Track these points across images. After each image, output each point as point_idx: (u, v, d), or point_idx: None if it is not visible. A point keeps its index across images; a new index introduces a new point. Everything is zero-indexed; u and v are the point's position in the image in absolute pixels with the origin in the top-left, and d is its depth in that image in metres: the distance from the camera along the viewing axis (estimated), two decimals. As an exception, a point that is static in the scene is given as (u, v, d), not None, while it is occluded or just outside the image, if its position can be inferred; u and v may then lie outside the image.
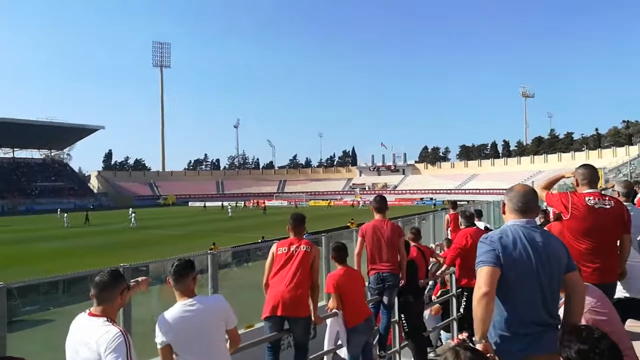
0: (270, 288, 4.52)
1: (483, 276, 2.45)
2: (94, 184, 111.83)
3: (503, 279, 2.48)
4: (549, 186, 4.16)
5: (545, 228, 7.01)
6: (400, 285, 5.79)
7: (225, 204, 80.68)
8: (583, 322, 2.75)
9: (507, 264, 2.48)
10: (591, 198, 3.79)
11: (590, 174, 3.94)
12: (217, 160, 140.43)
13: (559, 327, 2.48)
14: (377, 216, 5.88)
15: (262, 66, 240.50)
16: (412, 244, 6.66)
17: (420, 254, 6.86)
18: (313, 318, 4.65)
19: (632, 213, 4.01)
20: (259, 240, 26.22)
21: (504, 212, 2.70)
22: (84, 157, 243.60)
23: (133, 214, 48.14)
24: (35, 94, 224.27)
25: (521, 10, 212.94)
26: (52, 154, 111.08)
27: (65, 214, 51.54)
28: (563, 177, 4.55)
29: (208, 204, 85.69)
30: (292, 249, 4.56)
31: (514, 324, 2.46)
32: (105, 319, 2.60)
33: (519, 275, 2.46)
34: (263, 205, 75.38)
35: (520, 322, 2.45)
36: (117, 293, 2.67)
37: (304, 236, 4.92)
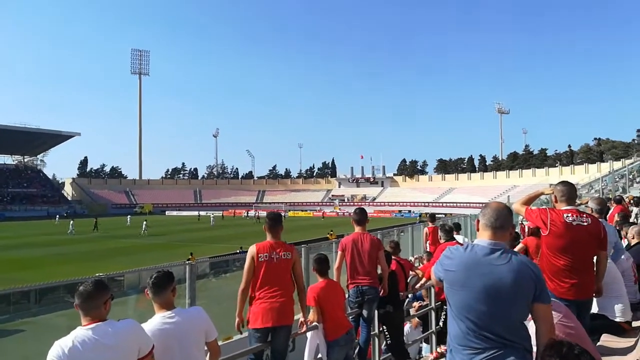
0: (257, 299, 4.43)
1: (432, 279, 2.84)
2: (68, 191, 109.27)
3: (451, 293, 2.51)
4: (528, 202, 4.22)
5: (521, 243, 7.11)
6: (381, 294, 5.79)
7: (203, 213, 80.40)
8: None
9: (452, 281, 2.49)
10: (569, 215, 3.85)
11: (569, 191, 4.02)
12: (195, 170, 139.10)
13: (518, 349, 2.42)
14: (357, 229, 5.88)
15: (242, 76, 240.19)
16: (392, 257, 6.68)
17: (399, 267, 6.89)
18: (302, 319, 4.64)
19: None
20: (237, 251, 25.99)
21: (477, 229, 2.66)
22: (58, 164, 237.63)
23: (144, 222, 49.24)
24: (10, 99, 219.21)
25: (497, 28, 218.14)
26: (26, 160, 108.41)
27: (72, 221, 51.36)
28: (542, 193, 4.63)
29: (191, 213, 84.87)
30: (273, 256, 4.49)
31: (458, 338, 2.46)
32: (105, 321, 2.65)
33: (461, 293, 2.44)
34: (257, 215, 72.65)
35: (461, 338, 2.44)
36: (101, 303, 2.67)
37: None
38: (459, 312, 2.47)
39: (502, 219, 2.56)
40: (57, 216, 68.09)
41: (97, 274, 4.81)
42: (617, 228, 6.49)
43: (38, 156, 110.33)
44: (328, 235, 33.19)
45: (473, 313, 2.40)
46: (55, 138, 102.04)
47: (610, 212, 7.79)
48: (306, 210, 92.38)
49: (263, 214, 79.20)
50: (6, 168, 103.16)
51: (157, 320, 3.07)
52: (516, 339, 2.40)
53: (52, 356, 2.47)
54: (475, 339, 2.40)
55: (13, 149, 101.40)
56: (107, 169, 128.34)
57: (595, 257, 3.97)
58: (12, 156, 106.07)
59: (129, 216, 66.43)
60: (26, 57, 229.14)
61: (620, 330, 4.48)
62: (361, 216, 5.92)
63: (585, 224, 3.84)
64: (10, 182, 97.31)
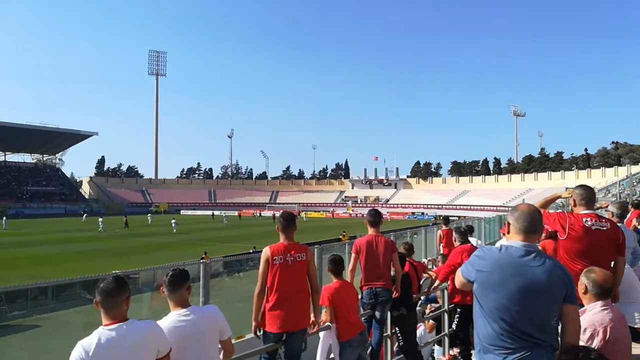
0: (273, 303, 4.36)
1: (458, 280, 2.80)
2: (85, 189, 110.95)
3: (483, 293, 2.52)
4: (545, 205, 4.19)
5: (538, 246, 7.01)
6: (394, 296, 5.77)
7: (217, 212, 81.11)
8: (600, 337, 2.78)
9: (485, 281, 2.51)
10: (588, 219, 3.82)
11: (589, 195, 3.99)
12: (210, 170, 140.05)
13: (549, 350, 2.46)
14: (370, 230, 5.83)
15: (257, 77, 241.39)
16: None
17: (412, 269, 6.86)
18: (313, 318, 4.63)
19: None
20: (251, 251, 26.12)
21: (508, 232, 2.66)
22: (76, 163, 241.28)
23: (173, 221, 49.91)
24: (30, 98, 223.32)
25: (513, 30, 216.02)
26: (45, 158, 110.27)
27: (100, 219, 52.19)
28: (560, 197, 4.59)
29: (205, 213, 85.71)
30: (288, 258, 4.42)
31: (490, 337, 2.48)
32: (127, 321, 2.63)
33: (496, 293, 2.46)
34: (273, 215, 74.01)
35: (493, 338, 2.46)
36: (122, 300, 2.65)
37: None
38: (491, 313, 2.49)
39: (535, 222, 2.60)
40: (85, 214, 69.06)
41: (113, 272, 4.84)
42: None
43: (57, 155, 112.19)
44: (341, 237, 33.17)
45: (507, 313, 2.43)
46: (74, 137, 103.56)
47: (627, 216, 7.67)
48: (319, 211, 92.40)
49: (263, 214, 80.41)
50: (26, 166, 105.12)
51: (173, 317, 3.09)
52: (547, 338, 2.44)
53: (75, 357, 2.45)
54: (508, 339, 2.43)
55: (33, 147, 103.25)
56: (124, 168, 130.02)
57: (612, 262, 3.92)
58: (32, 155, 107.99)
59: (149, 215, 67.35)
60: (45, 56, 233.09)
61: (637, 336, 4.40)
62: (376, 218, 5.86)
63: (604, 228, 3.82)
64: (29, 180, 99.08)
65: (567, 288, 2.50)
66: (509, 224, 2.65)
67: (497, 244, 2.82)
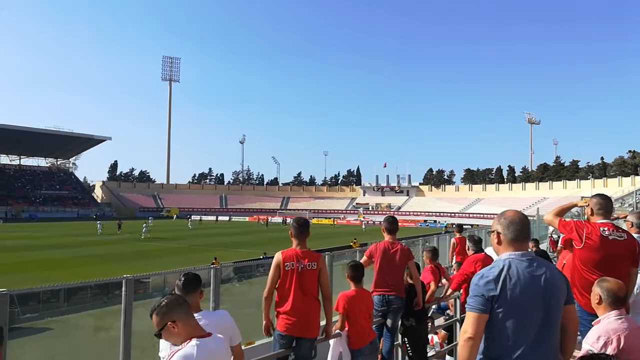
0: (285, 309, 4.35)
1: (469, 321, 2.37)
2: (98, 193, 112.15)
3: (501, 317, 2.32)
4: (561, 213, 4.13)
5: (561, 259, 6.88)
6: (416, 308, 5.71)
7: (225, 218, 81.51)
8: (614, 345, 2.72)
9: (503, 303, 2.32)
10: (606, 229, 3.77)
11: (607, 205, 3.94)
12: (222, 175, 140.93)
13: None
14: (387, 237, 5.78)
15: (269, 83, 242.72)
16: (427, 264, 6.67)
17: (437, 271, 6.86)
18: (326, 328, 4.59)
19: None
20: (261, 257, 26.14)
21: (499, 243, 2.50)
22: (89, 167, 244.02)
23: (145, 226, 48.58)
24: (44, 103, 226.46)
25: (528, 37, 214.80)
26: (58, 162, 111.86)
27: (99, 222, 53.04)
28: (576, 205, 4.53)
29: (212, 218, 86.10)
30: (299, 266, 4.39)
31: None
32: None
33: (518, 314, 2.31)
34: (265, 220, 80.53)
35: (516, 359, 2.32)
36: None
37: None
38: (511, 336, 2.32)
39: (527, 228, 2.53)
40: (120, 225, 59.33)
41: (124, 276, 4.85)
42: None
43: (70, 159, 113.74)
44: (352, 244, 33.05)
45: (530, 334, 2.32)
46: (87, 142, 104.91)
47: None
48: (330, 218, 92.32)
49: (273, 220, 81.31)
50: (40, 170, 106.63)
51: (184, 321, 3.08)
52: (559, 356, 2.40)
53: None
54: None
55: (47, 151, 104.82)
56: (136, 173, 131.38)
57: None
58: (46, 159, 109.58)
59: (150, 218, 67.14)
60: (60, 61, 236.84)
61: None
62: (393, 225, 5.81)
63: (622, 239, 3.77)
64: (43, 183, 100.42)
65: (568, 289, 2.46)
66: (499, 233, 2.51)
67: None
